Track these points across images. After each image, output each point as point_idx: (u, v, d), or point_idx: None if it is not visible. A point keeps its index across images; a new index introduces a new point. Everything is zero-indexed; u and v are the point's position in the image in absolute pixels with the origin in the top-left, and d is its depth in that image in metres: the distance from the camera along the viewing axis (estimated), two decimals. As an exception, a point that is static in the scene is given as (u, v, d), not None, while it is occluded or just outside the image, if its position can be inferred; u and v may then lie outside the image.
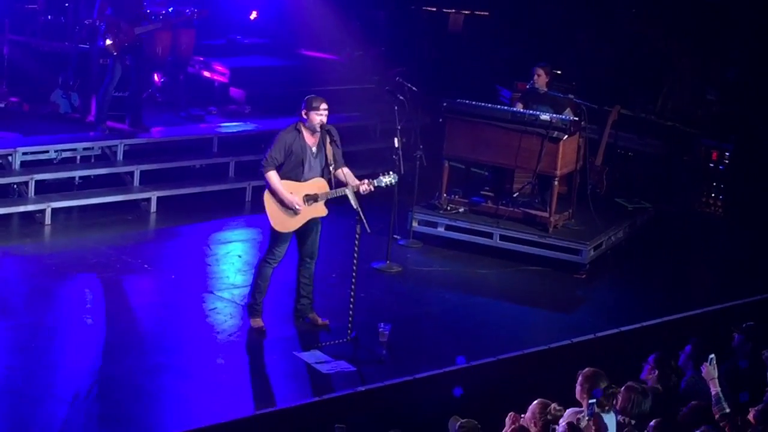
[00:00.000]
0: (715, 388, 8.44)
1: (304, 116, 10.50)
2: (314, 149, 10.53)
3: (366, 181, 10.58)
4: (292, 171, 10.49)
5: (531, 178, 13.73)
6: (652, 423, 7.84)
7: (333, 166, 10.54)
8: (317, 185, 10.55)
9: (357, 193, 10.51)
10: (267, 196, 10.51)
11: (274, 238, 10.64)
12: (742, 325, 9.69)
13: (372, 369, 10.16)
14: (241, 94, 16.91)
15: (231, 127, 15.80)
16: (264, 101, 16.63)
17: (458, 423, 7.58)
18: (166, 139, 15.02)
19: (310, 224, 10.64)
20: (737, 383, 8.75)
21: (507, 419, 7.69)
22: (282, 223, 10.53)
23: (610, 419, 7.81)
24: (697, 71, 17.24)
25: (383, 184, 10.73)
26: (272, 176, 10.43)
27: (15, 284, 11.56)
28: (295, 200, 10.42)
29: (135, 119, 14.77)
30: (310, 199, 10.50)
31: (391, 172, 10.78)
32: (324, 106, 10.49)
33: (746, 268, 13.80)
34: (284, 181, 10.46)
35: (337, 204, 10.70)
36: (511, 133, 13.38)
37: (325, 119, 10.50)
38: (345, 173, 10.64)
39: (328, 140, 10.56)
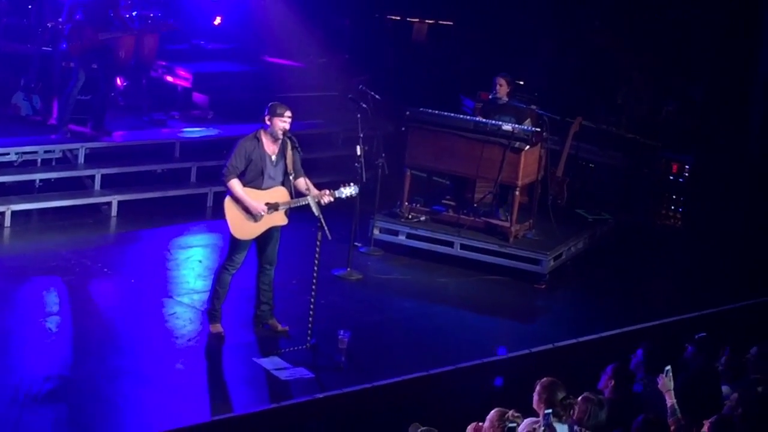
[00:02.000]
0: (670, 400, 8.51)
1: (267, 122, 10.50)
2: (274, 158, 10.52)
3: (327, 191, 10.58)
4: (253, 180, 10.48)
5: (492, 187, 13.77)
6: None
7: (293, 175, 10.55)
8: (278, 194, 10.55)
9: (318, 203, 10.52)
10: (228, 203, 10.50)
11: (233, 245, 10.63)
12: (695, 336, 9.77)
13: (331, 376, 10.16)
14: (204, 99, 16.89)
15: (193, 132, 15.77)
16: (227, 107, 16.60)
17: (418, 430, 7.60)
18: (127, 143, 14.97)
19: (270, 232, 10.64)
20: (691, 394, 8.81)
21: (468, 428, 7.71)
22: (242, 230, 10.53)
23: (562, 429, 7.84)
24: (654, 85, 17.37)
25: (344, 196, 10.75)
26: (235, 184, 10.43)
27: (-27, 286, 11.51)
28: (260, 207, 10.42)
29: (97, 123, 14.71)
30: (271, 207, 10.49)
31: (352, 184, 10.80)
32: (288, 113, 10.49)
33: (704, 280, 13.91)
34: (245, 189, 10.46)
35: (298, 211, 10.70)
36: (473, 142, 13.43)
37: (288, 126, 10.50)
38: (305, 183, 10.64)
39: (289, 148, 10.56)
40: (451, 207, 14.09)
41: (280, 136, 10.48)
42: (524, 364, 10.52)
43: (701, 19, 17.06)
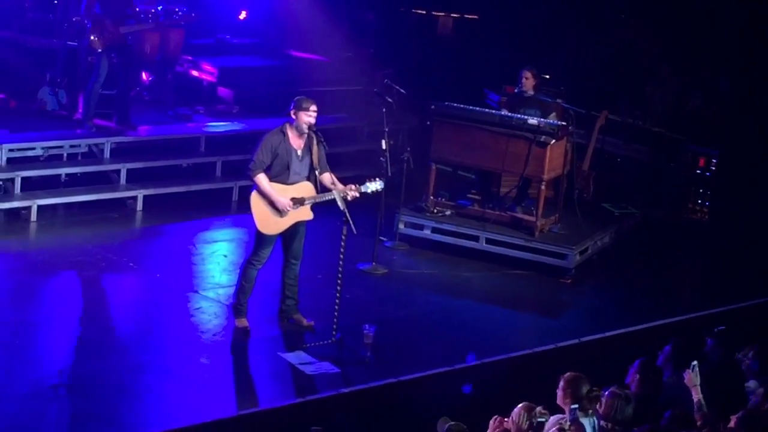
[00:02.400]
0: (697, 395, 8.47)
1: (293, 116, 10.50)
2: (299, 152, 10.51)
3: (353, 186, 10.57)
4: (279, 174, 10.47)
5: (518, 182, 13.74)
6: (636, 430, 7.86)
7: (318, 170, 10.53)
8: (304, 189, 10.54)
9: (344, 198, 10.51)
10: (254, 198, 10.50)
11: (259, 239, 10.63)
12: (714, 329, 9.74)
13: (356, 371, 10.17)
14: (229, 93, 16.90)
15: (218, 126, 15.79)
16: (252, 101, 16.61)
17: (447, 425, 7.59)
18: (153, 137, 15.00)
19: (296, 227, 10.63)
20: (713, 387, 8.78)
21: (491, 422, 7.70)
22: (267, 225, 10.53)
23: (588, 423, 7.81)
24: (680, 77, 17.28)
25: (369, 191, 10.74)
26: (261, 179, 10.43)
27: (-1, 281, 11.57)
28: (287, 203, 10.42)
29: (122, 117, 14.74)
30: (297, 202, 10.49)
31: (377, 179, 10.79)
32: (313, 107, 10.48)
33: (731, 274, 13.85)
34: (272, 183, 10.45)
35: (324, 205, 10.69)
36: (499, 136, 13.41)
37: (313, 121, 10.49)
38: (331, 178, 10.62)
39: (315, 143, 10.55)
40: (476, 201, 14.08)
41: (306, 131, 10.48)
42: (550, 358, 10.50)
43: (727, 9, 16.95)
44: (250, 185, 10.59)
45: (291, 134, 10.50)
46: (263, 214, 10.49)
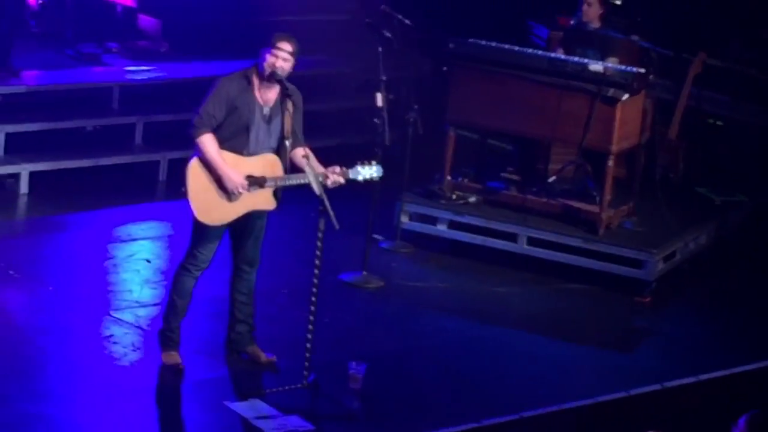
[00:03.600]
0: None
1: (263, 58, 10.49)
2: (267, 111, 10.53)
3: (337, 169, 10.55)
4: (232, 138, 10.45)
5: (575, 156, 13.80)
6: None
7: (289, 140, 10.56)
8: (267, 164, 10.54)
9: (322, 183, 10.49)
10: (193, 169, 10.42)
11: (198, 233, 10.63)
12: None
13: (339, 429, 10.25)
14: (155, 24, 16.94)
15: (139, 72, 15.84)
16: (188, 35, 16.66)
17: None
18: (43, 87, 15.06)
19: (251, 218, 10.66)
20: None
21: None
22: (209, 212, 10.49)
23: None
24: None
25: (360, 178, 10.72)
26: (207, 141, 10.41)
27: None
28: (240, 181, 10.42)
29: (-1, 58, 14.83)
30: (255, 183, 10.48)
31: (373, 162, 10.77)
32: (288, 47, 10.46)
33: None
34: (222, 151, 10.45)
35: (292, 189, 10.71)
36: (547, 89, 13.48)
37: (286, 67, 10.46)
38: (305, 153, 10.58)
39: (289, 104, 10.54)
40: (514, 183, 14.13)
41: (271, 79, 10.45)
42: (620, 411, 10.58)
43: None
44: (185, 157, 10.61)
45: (258, 84, 10.52)
46: (206, 194, 10.44)
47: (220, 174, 10.41)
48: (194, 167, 10.47)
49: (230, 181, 10.42)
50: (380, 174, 10.82)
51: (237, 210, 10.58)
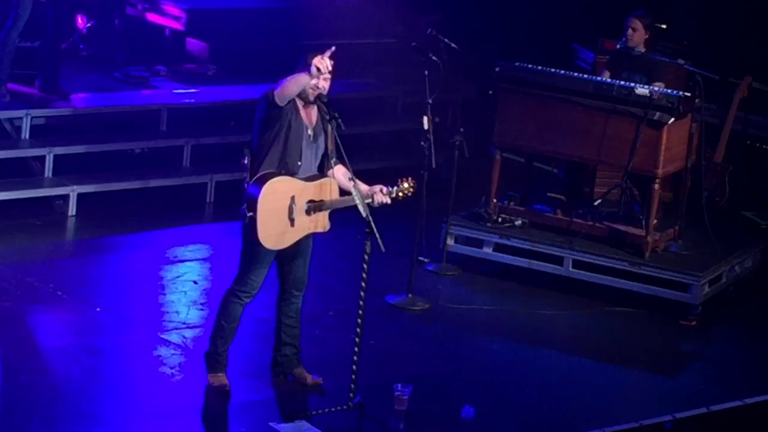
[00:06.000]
0: None
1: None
2: (310, 132, 10.50)
3: (383, 188, 10.50)
4: (288, 158, 10.34)
5: (621, 179, 13.76)
6: None
7: (333, 159, 10.51)
8: (325, 187, 10.46)
9: (368, 204, 10.43)
10: (266, 194, 10.18)
11: (250, 258, 10.50)
12: None
13: (384, 450, 10.25)
14: (203, 47, 16.97)
15: (187, 95, 15.86)
16: (235, 59, 16.68)
17: None
18: (92, 110, 15.09)
19: (301, 242, 10.64)
20: None
21: None
22: (271, 236, 10.27)
23: None
24: None
25: (401, 195, 10.65)
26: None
27: None
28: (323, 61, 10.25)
29: (48, 81, 14.82)
30: (315, 207, 10.41)
31: (409, 179, 10.69)
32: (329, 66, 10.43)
33: None
34: (280, 178, 10.28)
35: (335, 210, 10.68)
36: (594, 112, 13.46)
37: (324, 86, 10.46)
38: (347, 173, 10.47)
39: (327, 121, 10.48)
40: (560, 206, 14.11)
41: (311, 99, 10.43)
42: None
43: None
44: (232, 180, 10.57)
45: (300, 105, 10.46)
46: (272, 218, 10.29)
47: (300, 74, 10.21)
48: (268, 191, 10.26)
49: (317, 63, 10.17)
50: (413, 189, 10.73)
51: (298, 234, 10.44)
